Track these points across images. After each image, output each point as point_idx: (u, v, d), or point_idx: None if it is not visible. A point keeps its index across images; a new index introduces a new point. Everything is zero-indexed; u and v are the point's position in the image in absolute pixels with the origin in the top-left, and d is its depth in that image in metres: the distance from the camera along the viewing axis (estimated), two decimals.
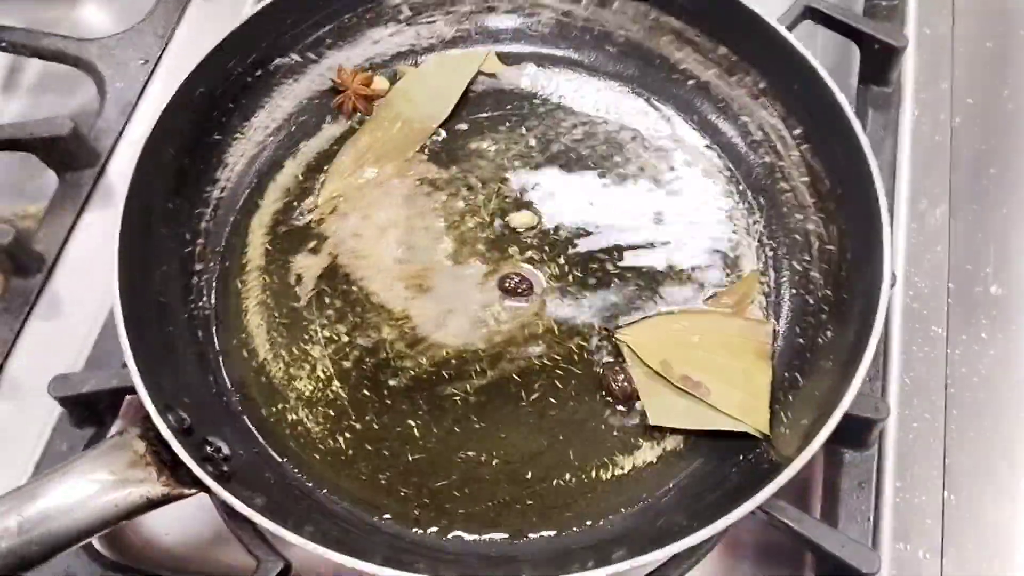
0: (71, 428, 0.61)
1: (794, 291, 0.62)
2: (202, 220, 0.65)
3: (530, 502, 0.57)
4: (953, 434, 0.59)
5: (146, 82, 0.75)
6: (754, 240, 0.64)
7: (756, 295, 0.62)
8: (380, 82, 0.69)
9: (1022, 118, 0.70)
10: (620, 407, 0.59)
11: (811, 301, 0.61)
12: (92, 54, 0.76)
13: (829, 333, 0.59)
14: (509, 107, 0.69)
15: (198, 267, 0.64)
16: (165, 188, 0.62)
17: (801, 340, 0.60)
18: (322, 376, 0.60)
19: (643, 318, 0.62)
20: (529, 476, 0.57)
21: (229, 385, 0.60)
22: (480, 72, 0.70)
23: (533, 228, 0.65)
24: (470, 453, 0.58)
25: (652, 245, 0.64)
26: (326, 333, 0.62)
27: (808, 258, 0.62)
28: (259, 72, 0.67)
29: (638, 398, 0.59)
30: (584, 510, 0.56)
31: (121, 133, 0.73)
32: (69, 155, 0.70)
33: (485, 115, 0.69)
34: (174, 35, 0.77)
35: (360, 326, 0.62)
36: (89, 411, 0.61)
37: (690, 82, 0.69)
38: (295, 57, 0.68)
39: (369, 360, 0.61)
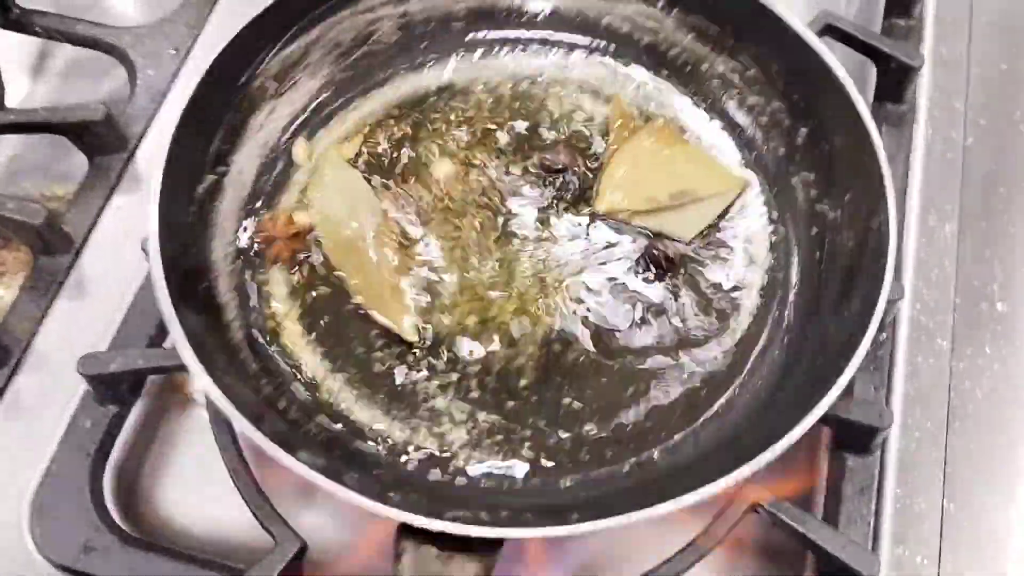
0: (95, 405, 0.62)
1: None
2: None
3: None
4: (954, 445, 0.61)
5: (176, 71, 0.77)
6: None
7: (630, 110, 0.71)
8: (301, 217, 0.67)
9: None
10: (673, 276, 0.65)
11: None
12: (125, 42, 0.78)
13: None
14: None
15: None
16: None
17: None
18: (463, 418, 0.61)
19: (591, 188, 0.68)
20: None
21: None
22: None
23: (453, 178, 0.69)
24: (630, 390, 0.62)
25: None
26: (436, 383, 0.62)
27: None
28: (192, 208, 0.64)
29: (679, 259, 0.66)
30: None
31: (151, 120, 0.74)
32: (100, 139, 0.71)
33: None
34: (204, 28, 0.79)
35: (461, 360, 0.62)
36: (113, 390, 0.62)
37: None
38: (210, 178, 0.66)
39: (490, 379, 0.62)
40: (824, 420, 0.58)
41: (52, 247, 0.68)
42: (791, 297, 0.65)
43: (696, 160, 0.69)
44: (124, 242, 0.68)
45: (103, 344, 0.64)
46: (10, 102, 0.77)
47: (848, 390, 0.61)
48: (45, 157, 0.78)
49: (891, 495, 0.60)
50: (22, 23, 0.78)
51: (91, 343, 0.64)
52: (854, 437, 0.59)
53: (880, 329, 0.61)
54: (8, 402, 0.63)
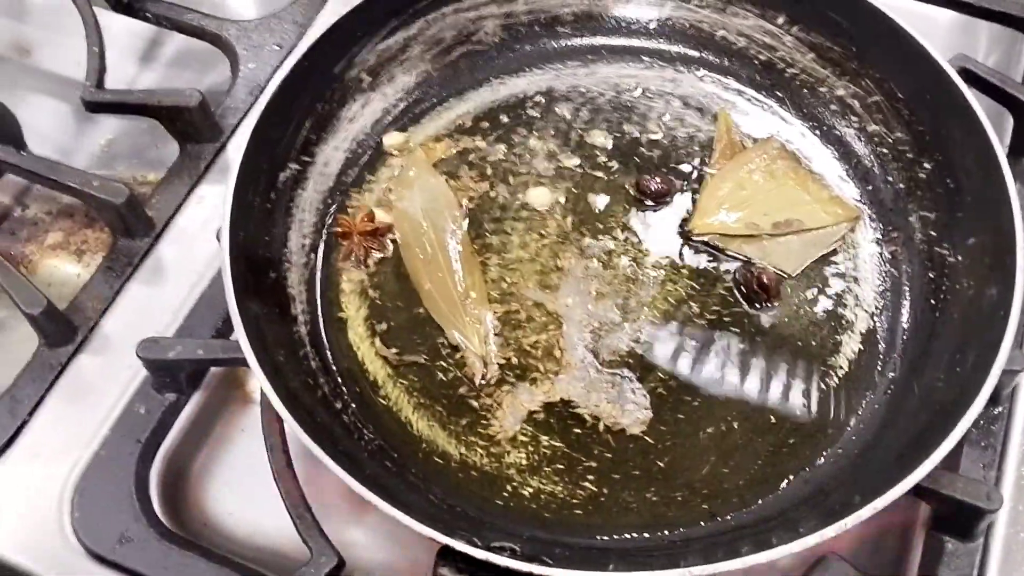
0: (152, 392, 0.60)
1: None
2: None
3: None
4: None
5: (277, 67, 0.76)
6: None
7: (734, 127, 0.67)
8: (381, 214, 0.65)
9: None
10: (773, 303, 0.61)
11: None
12: (231, 34, 0.77)
13: None
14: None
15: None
16: None
17: None
18: (526, 440, 0.57)
19: (693, 210, 0.64)
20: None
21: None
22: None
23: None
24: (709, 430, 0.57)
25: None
26: (501, 401, 0.58)
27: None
28: (272, 195, 0.63)
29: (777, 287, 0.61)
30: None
31: (246, 113, 0.73)
32: (193, 127, 0.70)
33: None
34: (312, 25, 0.78)
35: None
36: (172, 378, 0.60)
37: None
38: (294, 167, 0.65)
39: (558, 405, 0.58)
40: (923, 494, 0.53)
41: (132, 229, 0.67)
42: (899, 346, 0.59)
43: (806, 188, 0.65)
44: (204, 231, 0.67)
45: (170, 331, 0.63)
46: (115, 86, 0.77)
47: (953, 465, 0.56)
48: (141, 143, 0.78)
49: None
50: (133, 8, 0.79)
51: (158, 329, 0.62)
52: (956, 518, 0.53)
53: (995, 401, 0.56)
54: (68, 380, 0.62)
